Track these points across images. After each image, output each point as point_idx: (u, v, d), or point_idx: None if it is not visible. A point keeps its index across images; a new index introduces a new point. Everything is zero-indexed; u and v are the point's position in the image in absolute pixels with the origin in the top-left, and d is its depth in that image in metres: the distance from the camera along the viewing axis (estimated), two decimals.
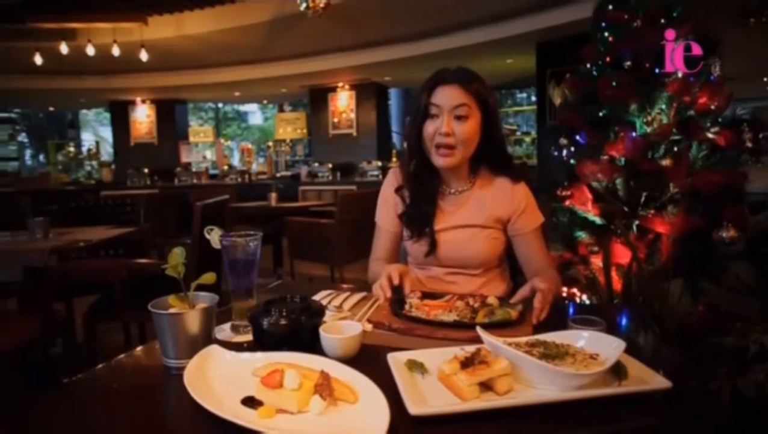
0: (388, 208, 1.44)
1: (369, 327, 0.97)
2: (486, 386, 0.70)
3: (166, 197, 5.63)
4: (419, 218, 1.35)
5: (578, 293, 2.34)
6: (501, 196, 1.35)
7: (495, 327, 0.92)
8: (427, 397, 0.69)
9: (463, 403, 0.67)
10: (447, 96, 1.25)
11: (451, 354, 0.76)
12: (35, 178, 10.18)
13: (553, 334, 0.83)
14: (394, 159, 8.61)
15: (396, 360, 0.77)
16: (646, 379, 0.72)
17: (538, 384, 0.71)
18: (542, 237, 1.37)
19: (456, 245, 1.34)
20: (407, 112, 11.33)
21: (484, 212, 1.34)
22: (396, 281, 1.10)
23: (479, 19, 6.28)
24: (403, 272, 1.13)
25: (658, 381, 0.71)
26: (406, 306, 1.05)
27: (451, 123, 1.25)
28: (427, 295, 1.12)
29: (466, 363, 0.71)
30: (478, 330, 0.80)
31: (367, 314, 1.05)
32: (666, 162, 2.22)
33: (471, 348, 0.76)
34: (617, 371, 0.71)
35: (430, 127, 1.28)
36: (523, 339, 0.81)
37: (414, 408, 0.64)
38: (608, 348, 0.75)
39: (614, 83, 2.32)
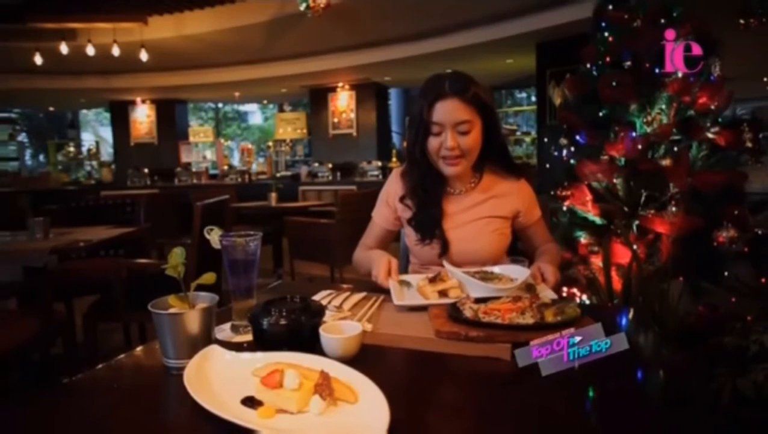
0: (387, 208, 1.47)
1: (369, 326, 0.97)
2: (444, 294, 1.12)
3: (166, 197, 5.63)
4: (428, 221, 1.37)
5: (578, 293, 2.34)
6: (507, 193, 1.41)
7: (565, 325, 0.88)
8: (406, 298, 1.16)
9: (426, 300, 1.11)
10: (447, 112, 1.27)
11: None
12: (35, 178, 10.20)
13: (492, 268, 1.25)
14: (394, 159, 8.62)
15: (393, 283, 1.19)
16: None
17: (476, 294, 1.09)
18: (544, 223, 1.49)
19: (466, 242, 1.36)
20: (407, 112, 11.39)
21: (490, 208, 1.39)
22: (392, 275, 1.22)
23: (479, 19, 6.28)
24: (392, 265, 1.24)
25: (548, 294, 1.12)
26: (468, 313, 0.96)
27: (455, 138, 1.28)
28: (479, 300, 1.04)
29: (432, 280, 1.15)
30: (445, 264, 1.22)
31: (367, 314, 1.05)
32: (666, 162, 2.22)
33: (436, 270, 1.23)
34: (529, 288, 1.13)
35: (434, 142, 1.31)
36: (473, 270, 1.21)
37: (398, 301, 1.10)
38: (523, 273, 1.15)
39: (614, 83, 2.32)
